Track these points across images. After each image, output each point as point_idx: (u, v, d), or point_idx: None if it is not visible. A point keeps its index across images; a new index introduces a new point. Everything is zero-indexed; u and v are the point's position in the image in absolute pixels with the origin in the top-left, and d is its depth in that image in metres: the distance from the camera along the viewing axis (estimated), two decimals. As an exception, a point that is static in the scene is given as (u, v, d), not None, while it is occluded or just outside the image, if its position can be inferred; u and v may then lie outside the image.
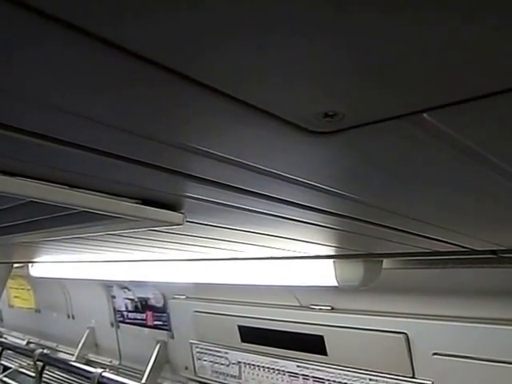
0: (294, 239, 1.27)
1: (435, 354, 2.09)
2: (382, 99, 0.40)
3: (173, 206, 0.90)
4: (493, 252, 1.37)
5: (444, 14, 0.29)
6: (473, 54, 0.33)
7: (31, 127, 0.51)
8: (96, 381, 2.80)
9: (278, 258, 1.73)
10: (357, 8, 0.29)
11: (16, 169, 0.69)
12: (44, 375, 3.64)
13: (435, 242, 1.22)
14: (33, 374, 3.59)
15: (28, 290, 4.59)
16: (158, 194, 0.83)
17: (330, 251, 1.54)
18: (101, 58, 0.35)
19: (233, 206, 0.87)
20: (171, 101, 0.44)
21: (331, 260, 1.77)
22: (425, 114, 0.41)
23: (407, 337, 2.15)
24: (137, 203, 0.87)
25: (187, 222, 0.96)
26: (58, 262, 2.80)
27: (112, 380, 2.82)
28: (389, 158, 0.55)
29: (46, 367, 3.54)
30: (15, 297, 4.86)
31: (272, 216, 0.95)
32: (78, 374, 3.18)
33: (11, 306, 5.01)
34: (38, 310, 4.64)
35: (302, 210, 0.87)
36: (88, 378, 2.89)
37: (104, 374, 2.84)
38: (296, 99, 0.41)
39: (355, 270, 1.73)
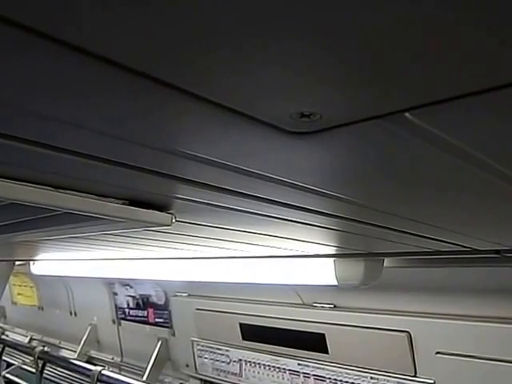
0: (290, 238, 1.25)
1: (438, 352, 2.06)
2: (360, 99, 0.38)
3: (161, 207, 0.89)
4: (496, 251, 1.35)
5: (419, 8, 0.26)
6: (454, 50, 0.31)
7: (16, 132, 0.50)
8: (95, 378, 2.80)
9: (275, 257, 1.72)
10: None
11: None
12: (46, 372, 3.65)
13: (436, 242, 1.20)
14: (34, 371, 3.60)
15: (31, 287, 4.60)
16: (145, 194, 0.82)
17: (330, 250, 1.53)
18: (77, 65, 0.34)
19: (223, 206, 0.86)
20: (151, 106, 0.43)
21: (331, 259, 1.75)
22: (407, 114, 0.39)
23: (410, 335, 2.13)
24: (124, 204, 0.85)
25: (178, 221, 0.95)
26: (58, 260, 2.80)
27: (111, 378, 2.82)
28: (372, 158, 0.54)
29: (48, 364, 3.55)
30: (18, 294, 4.87)
31: (264, 216, 0.93)
32: (79, 372, 3.18)
33: (14, 303, 5.03)
34: (40, 307, 4.66)
35: (292, 210, 0.86)
36: (88, 375, 2.90)
37: (103, 371, 2.84)
38: (271, 100, 0.40)
39: (355, 269, 1.70)
